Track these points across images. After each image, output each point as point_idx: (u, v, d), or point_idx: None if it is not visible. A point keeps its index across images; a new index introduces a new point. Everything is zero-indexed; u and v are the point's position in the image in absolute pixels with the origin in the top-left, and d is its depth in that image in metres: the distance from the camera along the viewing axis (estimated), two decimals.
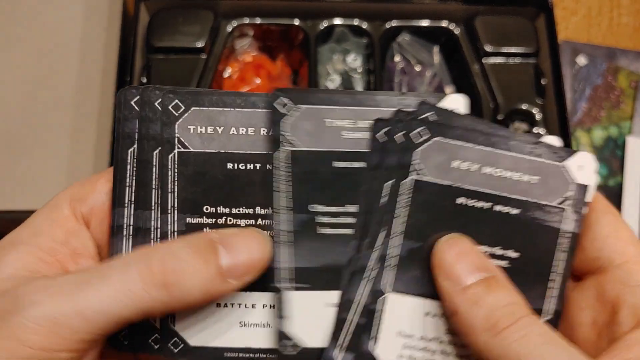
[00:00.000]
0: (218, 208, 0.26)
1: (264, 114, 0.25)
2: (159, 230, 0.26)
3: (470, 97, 0.60)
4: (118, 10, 0.55)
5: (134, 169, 0.25)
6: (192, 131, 0.25)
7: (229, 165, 0.26)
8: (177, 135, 0.25)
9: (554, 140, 0.26)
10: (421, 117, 0.25)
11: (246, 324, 0.26)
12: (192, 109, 0.25)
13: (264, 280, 0.26)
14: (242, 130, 0.26)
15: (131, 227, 0.26)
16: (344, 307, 0.25)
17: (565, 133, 0.52)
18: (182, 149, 0.25)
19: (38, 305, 0.21)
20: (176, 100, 0.25)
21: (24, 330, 0.21)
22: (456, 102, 0.26)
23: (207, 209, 0.26)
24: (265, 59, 0.58)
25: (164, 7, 0.54)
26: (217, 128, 0.26)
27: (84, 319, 0.21)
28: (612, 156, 0.59)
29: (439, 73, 0.59)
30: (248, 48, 0.58)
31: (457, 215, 0.25)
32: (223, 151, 0.25)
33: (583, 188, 0.26)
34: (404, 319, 0.25)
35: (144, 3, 0.54)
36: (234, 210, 0.26)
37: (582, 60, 0.62)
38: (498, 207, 0.25)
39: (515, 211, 0.25)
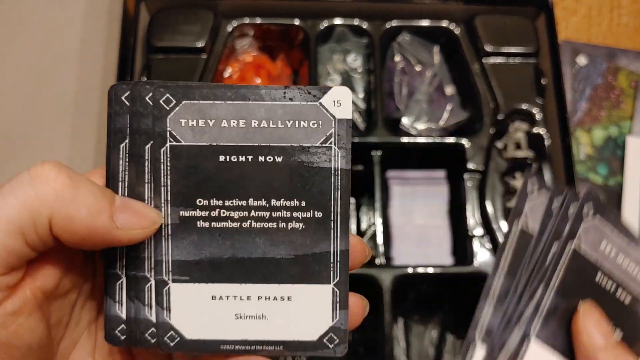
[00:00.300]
0: (211, 201, 0.26)
1: (255, 105, 0.26)
2: None
3: (470, 97, 0.60)
4: (118, 10, 0.55)
5: (126, 164, 0.26)
6: (183, 125, 0.26)
7: (221, 158, 0.26)
8: (168, 129, 0.26)
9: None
10: (590, 194, 0.31)
11: (242, 315, 0.26)
12: (183, 102, 0.26)
13: (259, 272, 0.26)
14: (234, 122, 0.26)
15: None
16: (496, 345, 0.30)
17: (565, 133, 0.52)
18: (174, 143, 0.26)
19: None
20: (167, 95, 0.26)
21: None
22: (342, 94, 0.26)
23: (200, 201, 0.26)
24: (265, 59, 0.58)
25: (164, 7, 0.54)
26: (209, 121, 0.26)
27: None
28: (612, 156, 0.59)
29: (439, 73, 0.59)
30: (248, 48, 0.58)
31: (593, 288, 0.31)
32: (215, 144, 0.26)
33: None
34: None
35: (144, 3, 0.54)
36: (227, 203, 0.26)
37: (582, 60, 0.62)
38: (618, 293, 0.31)
39: (627, 301, 0.31)
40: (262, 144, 0.26)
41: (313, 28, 0.56)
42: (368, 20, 0.57)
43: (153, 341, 0.26)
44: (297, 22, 0.56)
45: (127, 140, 0.26)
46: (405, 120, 0.57)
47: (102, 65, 0.52)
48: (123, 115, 0.26)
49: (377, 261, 0.52)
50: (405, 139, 0.54)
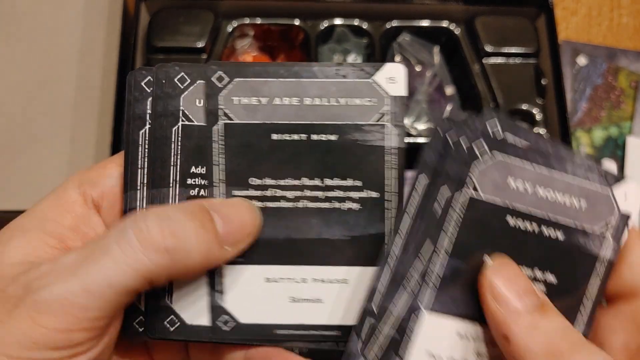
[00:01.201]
0: (264, 180, 0.25)
1: (308, 83, 0.25)
2: None
3: (470, 98, 0.60)
4: (118, 10, 0.55)
5: (146, 149, 0.25)
6: (236, 102, 0.25)
7: (274, 136, 0.25)
8: (221, 106, 0.25)
9: (610, 166, 0.26)
10: (486, 129, 0.25)
11: (297, 299, 0.25)
12: (236, 79, 0.25)
13: (314, 253, 0.25)
14: (287, 100, 0.25)
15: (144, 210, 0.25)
16: (379, 310, 0.24)
17: (565, 133, 0.52)
18: (228, 121, 0.25)
19: (47, 287, 0.21)
20: (219, 72, 0.25)
21: (36, 312, 0.21)
22: (396, 71, 0.25)
23: (253, 181, 0.25)
24: (265, 59, 0.58)
25: (164, 7, 0.54)
26: (262, 99, 0.25)
27: (92, 295, 0.21)
28: (612, 156, 0.59)
29: (439, 73, 0.59)
30: (248, 48, 0.58)
31: (506, 236, 0.25)
32: (268, 122, 0.25)
33: (625, 217, 0.25)
34: (435, 339, 0.24)
35: (144, 3, 0.54)
36: (280, 182, 0.25)
37: (582, 60, 0.62)
38: (545, 230, 0.25)
39: (561, 236, 0.25)
40: (315, 122, 0.25)
41: (313, 28, 0.56)
42: (368, 21, 0.57)
43: (172, 329, 0.25)
44: (297, 22, 0.56)
45: (147, 126, 0.25)
46: (405, 121, 0.57)
47: (102, 66, 0.52)
48: (143, 101, 0.25)
49: None
50: (405, 139, 0.54)
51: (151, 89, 0.25)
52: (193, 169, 0.25)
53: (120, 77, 0.52)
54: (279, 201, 0.25)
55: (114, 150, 0.49)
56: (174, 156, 0.25)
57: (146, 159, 0.25)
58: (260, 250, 0.25)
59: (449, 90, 0.58)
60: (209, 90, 0.25)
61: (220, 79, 0.25)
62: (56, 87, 0.51)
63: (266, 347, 0.25)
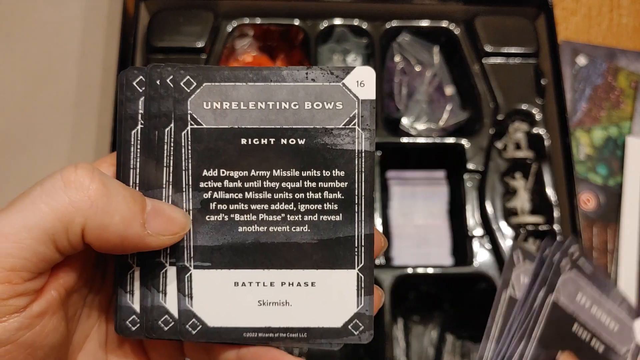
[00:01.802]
0: (233, 184, 0.25)
1: (277, 87, 0.25)
2: None
3: (470, 97, 0.60)
4: (118, 10, 0.55)
5: (138, 150, 0.25)
6: (204, 107, 0.25)
7: (243, 141, 0.25)
8: (189, 111, 0.25)
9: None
10: (571, 250, 0.37)
11: (265, 302, 0.26)
12: (204, 84, 0.25)
13: (282, 257, 0.25)
14: (255, 104, 0.25)
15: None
16: None
17: (565, 133, 0.52)
18: (195, 126, 0.25)
19: None
20: (188, 76, 0.25)
21: None
22: (365, 74, 0.25)
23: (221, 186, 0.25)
24: (265, 59, 0.58)
25: (164, 7, 0.54)
26: (230, 103, 0.25)
27: (7, 239, 0.21)
28: (612, 156, 0.59)
29: (439, 73, 0.59)
30: (248, 48, 0.58)
31: (571, 339, 0.33)
32: (236, 126, 0.25)
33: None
34: None
35: (144, 3, 0.54)
36: (248, 186, 0.25)
37: (582, 60, 0.62)
38: (593, 342, 0.32)
39: (601, 349, 0.32)
40: (284, 127, 0.25)
41: (313, 28, 0.56)
42: (368, 21, 0.57)
43: (166, 329, 0.25)
44: (297, 22, 0.56)
45: (139, 126, 0.25)
46: (405, 121, 0.57)
47: (101, 66, 0.52)
48: (134, 101, 0.25)
49: (377, 261, 0.52)
50: (405, 139, 0.54)
51: (143, 88, 0.25)
52: (206, 172, 0.26)
53: None
54: (247, 205, 0.25)
55: (114, 150, 0.50)
56: (184, 161, 0.25)
57: (138, 159, 0.25)
58: (228, 255, 0.25)
59: (449, 90, 0.58)
60: (177, 95, 0.25)
61: (188, 83, 0.25)
62: (56, 86, 0.51)
63: (257, 347, 0.25)
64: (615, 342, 0.32)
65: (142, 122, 0.25)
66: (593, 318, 0.32)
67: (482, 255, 0.51)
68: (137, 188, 0.25)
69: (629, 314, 0.32)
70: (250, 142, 0.25)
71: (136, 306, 0.25)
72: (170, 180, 0.25)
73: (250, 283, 0.26)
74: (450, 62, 0.59)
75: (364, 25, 0.57)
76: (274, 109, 0.25)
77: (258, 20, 0.56)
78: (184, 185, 0.25)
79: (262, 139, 0.25)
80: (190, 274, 0.25)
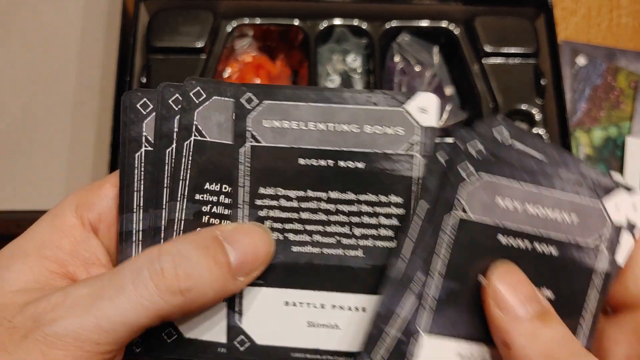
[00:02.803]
0: (290, 203, 0.25)
1: (338, 109, 0.25)
2: None
3: (470, 98, 0.60)
4: (118, 10, 0.55)
5: (142, 172, 0.25)
6: (264, 125, 0.25)
7: (301, 161, 0.25)
8: (249, 129, 0.25)
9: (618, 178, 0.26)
10: (470, 150, 0.25)
11: (314, 324, 0.25)
12: (265, 102, 0.25)
13: (334, 280, 0.25)
14: (315, 125, 0.25)
15: (141, 233, 0.25)
16: (383, 323, 0.25)
17: (564, 133, 0.52)
18: (255, 143, 0.25)
19: (59, 321, 0.21)
20: (249, 94, 0.25)
21: (47, 345, 0.21)
22: (428, 101, 0.25)
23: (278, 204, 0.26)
24: (265, 59, 0.58)
25: (163, 7, 0.54)
26: (291, 122, 0.25)
27: (105, 331, 0.21)
28: (611, 156, 0.59)
29: (439, 73, 0.59)
30: (248, 48, 0.58)
31: (499, 255, 0.25)
32: (295, 146, 0.25)
33: (618, 228, 0.25)
34: None
35: (144, 3, 0.54)
36: (304, 207, 0.25)
37: (581, 60, 0.62)
38: (538, 247, 0.25)
39: (554, 252, 0.25)
40: (343, 149, 0.25)
41: (313, 28, 0.56)
42: (368, 21, 0.57)
43: (242, 349, 0.25)
44: (296, 22, 0.56)
45: (142, 149, 0.25)
46: None
47: (101, 66, 0.52)
48: (138, 124, 0.25)
49: None
50: None
51: (147, 110, 0.25)
52: (207, 186, 0.25)
53: (120, 77, 0.52)
54: (302, 225, 0.25)
55: (114, 150, 0.49)
56: (183, 170, 0.25)
57: (142, 182, 0.25)
58: (281, 274, 0.25)
59: (449, 90, 0.58)
60: (237, 111, 0.25)
61: (249, 100, 0.25)
62: (56, 87, 0.51)
63: None
64: (575, 235, 0.25)
65: (146, 144, 0.25)
66: (531, 219, 0.25)
67: None
68: (141, 210, 0.25)
69: (593, 195, 0.25)
70: (308, 163, 0.25)
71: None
72: (186, 193, 0.25)
73: (301, 303, 0.25)
74: (450, 62, 0.59)
75: (364, 26, 0.57)
76: (334, 131, 0.25)
77: (258, 21, 0.56)
78: (240, 203, 0.25)
79: (321, 160, 0.25)
80: (242, 291, 0.25)
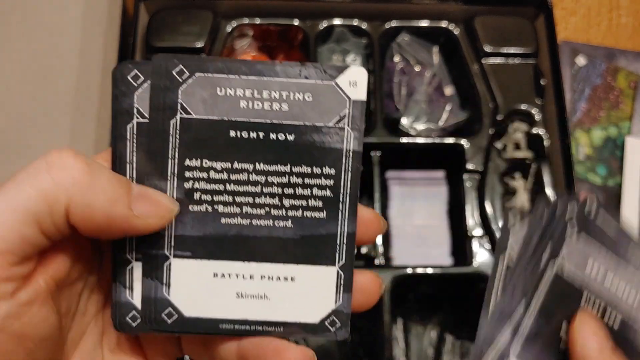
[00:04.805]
0: (219, 175, 0.25)
1: (270, 82, 0.25)
2: None
3: (469, 98, 0.60)
4: (118, 10, 0.55)
5: (134, 144, 0.25)
6: (195, 97, 0.25)
7: (232, 133, 0.25)
8: (180, 101, 0.25)
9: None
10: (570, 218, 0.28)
11: (243, 294, 0.25)
12: (197, 74, 0.25)
13: (263, 250, 0.25)
14: (244, 98, 0.25)
15: None
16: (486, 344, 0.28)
17: (564, 133, 0.52)
18: (185, 115, 0.25)
19: None
20: (180, 66, 0.25)
21: None
22: (358, 75, 0.25)
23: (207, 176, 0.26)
24: (264, 59, 0.58)
25: (163, 7, 0.54)
26: (221, 95, 0.25)
27: None
28: (611, 156, 0.59)
29: (439, 73, 0.59)
30: (248, 48, 0.58)
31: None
32: (226, 118, 0.25)
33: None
34: None
35: (144, 3, 0.54)
36: (234, 179, 0.25)
37: (581, 60, 0.62)
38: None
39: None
40: (274, 122, 0.25)
41: (312, 28, 0.56)
42: (367, 21, 0.57)
43: (170, 322, 0.25)
44: (296, 22, 0.56)
45: (134, 120, 0.25)
46: (404, 121, 0.57)
47: (101, 66, 0.52)
48: (129, 95, 0.25)
49: (377, 262, 0.52)
50: (404, 140, 0.54)
51: (138, 82, 0.25)
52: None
53: None
54: (232, 197, 0.25)
55: (112, 128, 0.49)
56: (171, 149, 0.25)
57: (135, 153, 0.25)
58: (210, 246, 0.25)
59: (448, 90, 0.58)
60: (168, 84, 0.25)
61: (181, 72, 0.25)
62: (55, 87, 0.51)
63: (260, 337, 0.25)
64: (636, 314, 0.28)
65: (138, 116, 0.25)
66: (607, 289, 0.28)
67: (481, 256, 0.51)
68: (135, 182, 0.25)
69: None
70: (239, 135, 0.25)
71: (136, 302, 0.25)
72: (159, 169, 0.25)
73: (230, 275, 0.25)
74: (450, 62, 0.59)
75: (364, 26, 0.57)
76: (265, 104, 0.25)
77: (257, 20, 0.56)
78: (169, 174, 0.25)
79: (252, 132, 0.25)
80: (170, 263, 0.25)
